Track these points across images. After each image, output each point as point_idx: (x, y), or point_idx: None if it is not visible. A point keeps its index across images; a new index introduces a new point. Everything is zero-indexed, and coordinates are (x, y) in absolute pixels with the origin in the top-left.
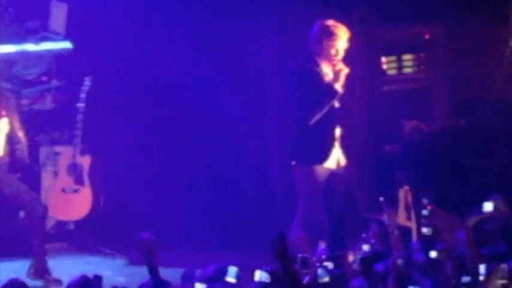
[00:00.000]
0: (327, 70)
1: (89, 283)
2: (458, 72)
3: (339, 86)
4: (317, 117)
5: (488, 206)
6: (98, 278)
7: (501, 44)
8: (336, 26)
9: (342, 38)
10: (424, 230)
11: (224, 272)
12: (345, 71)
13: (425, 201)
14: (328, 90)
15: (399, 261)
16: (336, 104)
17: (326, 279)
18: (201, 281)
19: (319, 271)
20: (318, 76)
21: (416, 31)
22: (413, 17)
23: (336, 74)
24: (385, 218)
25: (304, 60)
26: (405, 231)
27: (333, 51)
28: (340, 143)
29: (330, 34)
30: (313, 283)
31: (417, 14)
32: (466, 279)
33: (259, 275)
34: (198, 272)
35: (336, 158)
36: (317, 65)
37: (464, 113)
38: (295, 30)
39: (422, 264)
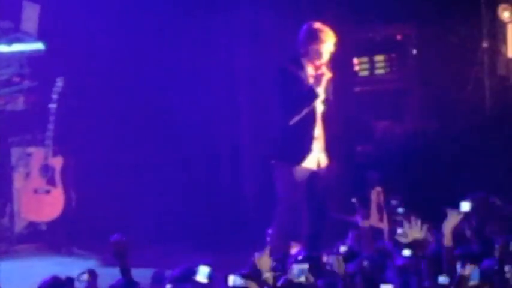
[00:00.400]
0: (311, 72)
1: (60, 284)
2: (430, 73)
3: (320, 90)
4: (296, 118)
5: (465, 206)
6: (70, 280)
7: (474, 45)
8: (321, 30)
9: (328, 42)
10: (399, 230)
11: (193, 273)
12: (327, 75)
13: (394, 202)
14: (308, 92)
15: (365, 263)
16: (320, 107)
17: (302, 278)
18: (171, 281)
19: (295, 271)
20: (298, 78)
21: (388, 32)
22: (385, 18)
23: (317, 77)
24: (358, 219)
25: (287, 61)
26: (378, 233)
27: (317, 55)
28: (323, 145)
29: (315, 38)
30: (289, 283)
31: (389, 15)
32: (444, 279)
33: (233, 280)
34: (168, 273)
35: (317, 159)
36: (301, 66)
37: (437, 114)
38: (267, 31)
39: (395, 265)
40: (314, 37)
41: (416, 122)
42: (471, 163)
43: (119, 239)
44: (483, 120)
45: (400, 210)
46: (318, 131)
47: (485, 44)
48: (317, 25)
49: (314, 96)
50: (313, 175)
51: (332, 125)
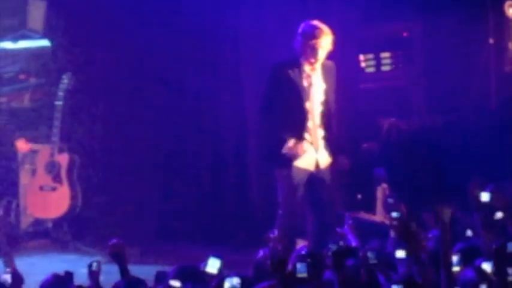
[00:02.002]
0: (307, 70)
1: (61, 281)
2: (436, 69)
3: (313, 90)
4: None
5: (485, 197)
6: (69, 275)
7: (480, 42)
8: (318, 27)
9: (324, 40)
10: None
11: (195, 270)
12: (317, 77)
13: (390, 200)
14: (296, 93)
15: (369, 254)
16: (319, 108)
17: (304, 274)
18: (173, 278)
19: (298, 266)
20: (288, 78)
21: (394, 29)
22: (391, 15)
23: (308, 79)
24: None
25: (282, 61)
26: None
27: (313, 53)
28: (325, 145)
29: (311, 35)
30: (291, 277)
31: (395, 11)
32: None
33: (229, 282)
34: (171, 269)
35: (315, 160)
36: (298, 66)
37: (442, 110)
38: (272, 28)
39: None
40: (310, 34)
41: (422, 119)
42: (477, 159)
43: (115, 242)
44: (489, 116)
45: (395, 214)
46: (314, 132)
47: (491, 41)
48: (314, 22)
49: (301, 97)
50: (313, 176)
51: (333, 125)
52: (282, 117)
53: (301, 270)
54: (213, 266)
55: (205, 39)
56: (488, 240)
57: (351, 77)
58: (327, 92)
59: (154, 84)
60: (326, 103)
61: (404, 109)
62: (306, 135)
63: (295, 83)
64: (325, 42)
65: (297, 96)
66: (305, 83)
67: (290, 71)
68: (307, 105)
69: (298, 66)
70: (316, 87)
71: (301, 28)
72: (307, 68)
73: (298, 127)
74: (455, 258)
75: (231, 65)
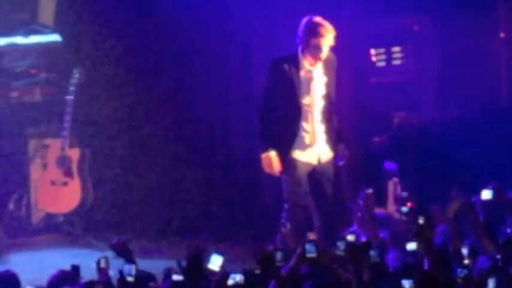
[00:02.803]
0: (306, 65)
1: (67, 277)
2: (446, 63)
3: (312, 85)
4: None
5: (486, 194)
6: (76, 268)
7: (490, 36)
8: (322, 25)
9: (327, 37)
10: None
11: (198, 264)
12: (314, 78)
13: (404, 194)
14: (292, 88)
15: (372, 252)
16: (320, 102)
17: (313, 254)
18: (178, 272)
19: (307, 246)
20: (285, 73)
21: (404, 22)
22: (401, 9)
23: (307, 75)
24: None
25: (280, 55)
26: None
27: (316, 49)
28: (327, 139)
29: (315, 33)
30: (300, 260)
31: (405, 5)
32: (462, 271)
33: (233, 279)
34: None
35: (317, 154)
36: (295, 60)
37: (453, 104)
38: (282, 22)
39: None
40: (315, 32)
41: (432, 113)
42: (487, 153)
43: (116, 241)
44: (499, 110)
45: (405, 209)
46: (315, 126)
47: (502, 35)
48: (317, 19)
49: (296, 92)
50: (315, 170)
51: (335, 118)
52: (279, 112)
53: (311, 250)
54: (215, 262)
55: (215, 34)
56: (482, 240)
57: (361, 71)
58: (328, 86)
59: (165, 78)
60: (327, 97)
61: (415, 103)
62: (305, 129)
63: (291, 78)
64: (329, 40)
65: (292, 91)
66: (304, 78)
67: (286, 66)
68: (308, 99)
69: (296, 61)
70: (316, 81)
71: (304, 25)
72: (306, 63)
73: (293, 122)
74: (465, 251)
75: (240, 58)
